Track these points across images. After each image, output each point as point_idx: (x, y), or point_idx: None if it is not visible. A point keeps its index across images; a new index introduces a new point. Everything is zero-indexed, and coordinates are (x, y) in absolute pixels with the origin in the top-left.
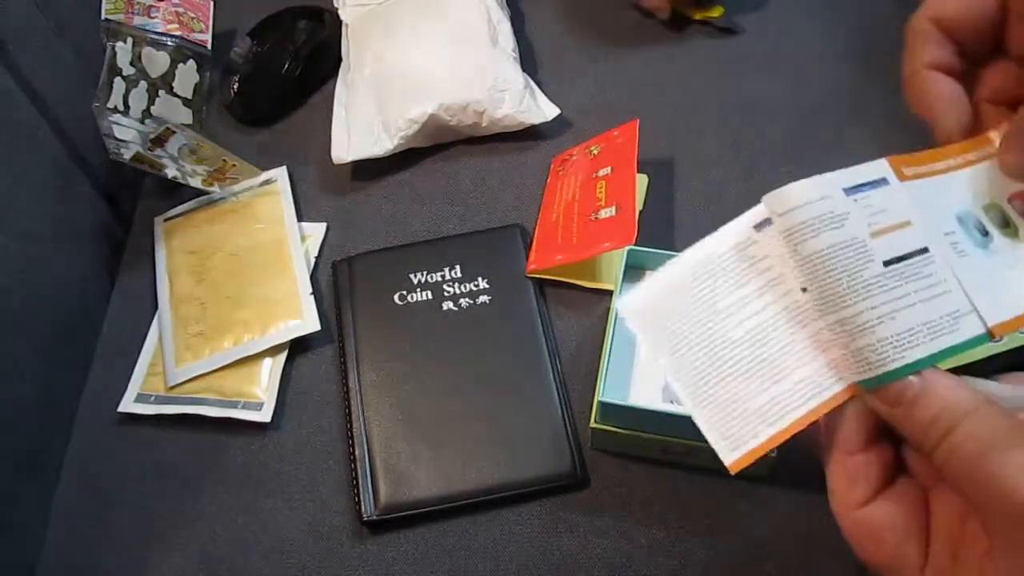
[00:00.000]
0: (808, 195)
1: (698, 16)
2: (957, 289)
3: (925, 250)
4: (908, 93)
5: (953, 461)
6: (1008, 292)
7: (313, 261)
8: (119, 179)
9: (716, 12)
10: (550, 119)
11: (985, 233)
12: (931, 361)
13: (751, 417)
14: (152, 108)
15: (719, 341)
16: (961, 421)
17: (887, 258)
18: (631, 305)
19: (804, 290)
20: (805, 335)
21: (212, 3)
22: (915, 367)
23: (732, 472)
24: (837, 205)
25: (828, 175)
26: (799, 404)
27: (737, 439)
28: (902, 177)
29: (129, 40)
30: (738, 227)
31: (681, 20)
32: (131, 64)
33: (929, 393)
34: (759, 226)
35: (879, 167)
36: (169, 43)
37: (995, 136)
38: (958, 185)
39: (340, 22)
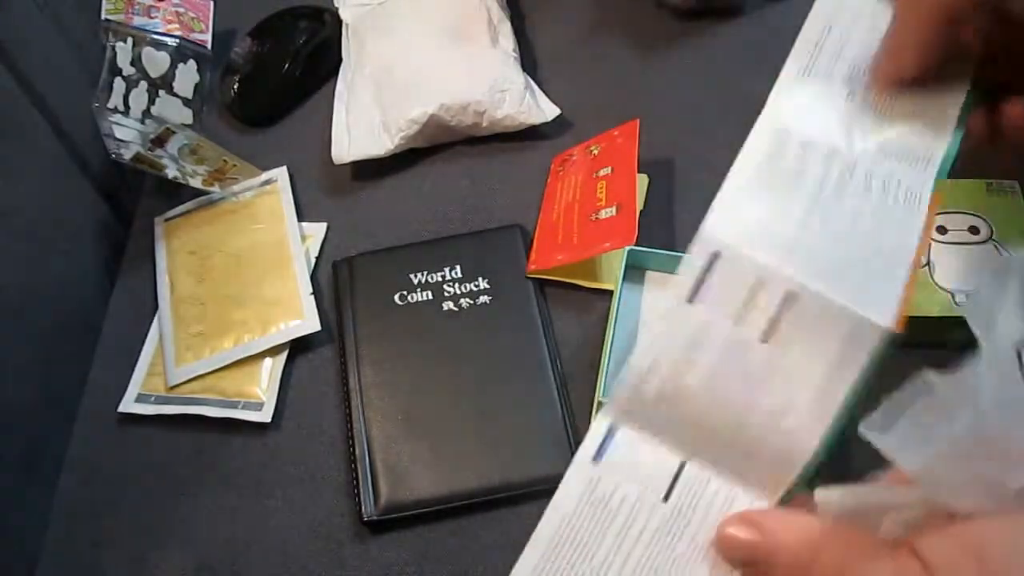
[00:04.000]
0: (663, 340)
1: None
2: (844, 303)
3: (791, 295)
4: None
5: None
6: (878, 285)
7: (313, 261)
8: (119, 179)
9: None
10: (550, 119)
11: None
12: (856, 399)
13: None
14: (152, 108)
15: None
16: (816, 559)
17: (761, 333)
18: None
19: (668, 496)
20: (684, 544)
21: (212, 3)
22: (838, 427)
23: None
24: (693, 321)
25: (665, 301)
26: None
27: None
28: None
29: (129, 40)
30: (577, 473)
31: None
32: (131, 64)
33: (776, 544)
34: (596, 456)
35: (704, 247)
36: (169, 43)
37: None
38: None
39: (340, 22)
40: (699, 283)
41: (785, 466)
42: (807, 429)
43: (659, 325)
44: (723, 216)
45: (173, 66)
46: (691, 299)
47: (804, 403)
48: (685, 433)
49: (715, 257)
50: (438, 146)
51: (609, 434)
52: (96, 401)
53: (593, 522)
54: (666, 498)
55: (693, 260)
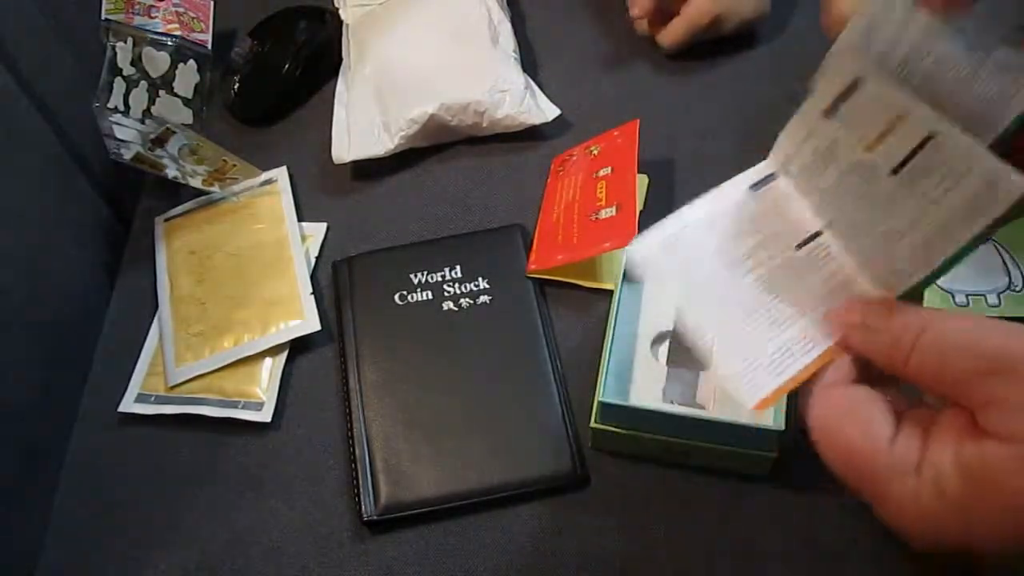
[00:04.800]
0: (794, 140)
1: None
2: (980, 159)
3: (931, 137)
4: None
5: (931, 354)
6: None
7: (313, 261)
8: (119, 179)
9: None
10: (550, 119)
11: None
12: (972, 248)
13: (765, 364)
14: (152, 108)
15: (732, 287)
16: (931, 319)
17: (893, 166)
18: (643, 253)
19: (800, 247)
20: (802, 288)
21: (212, 3)
22: (959, 258)
23: (755, 408)
24: (826, 135)
25: (804, 106)
26: (802, 354)
27: (755, 385)
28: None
29: (129, 40)
30: (734, 188)
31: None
32: (131, 64)
33: (901, 304)
34: (755, 186)
35: (852, 65)
36: (169, 43)
37: None
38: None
39: (340, 22)
40: (838, 100)
41: (892, 280)
42: (912, 265)
43: (792, 128)
44: (875, 40)
45: (173, 66)
46: (828, 114)
47: (913, 243)
48: (827, 206)
49: (860, 81)
50: (438, 146)
51: (770, 176)
52: (96, 401)
53: (737, 227)
54: (799, 247)
55: (840, 71)
